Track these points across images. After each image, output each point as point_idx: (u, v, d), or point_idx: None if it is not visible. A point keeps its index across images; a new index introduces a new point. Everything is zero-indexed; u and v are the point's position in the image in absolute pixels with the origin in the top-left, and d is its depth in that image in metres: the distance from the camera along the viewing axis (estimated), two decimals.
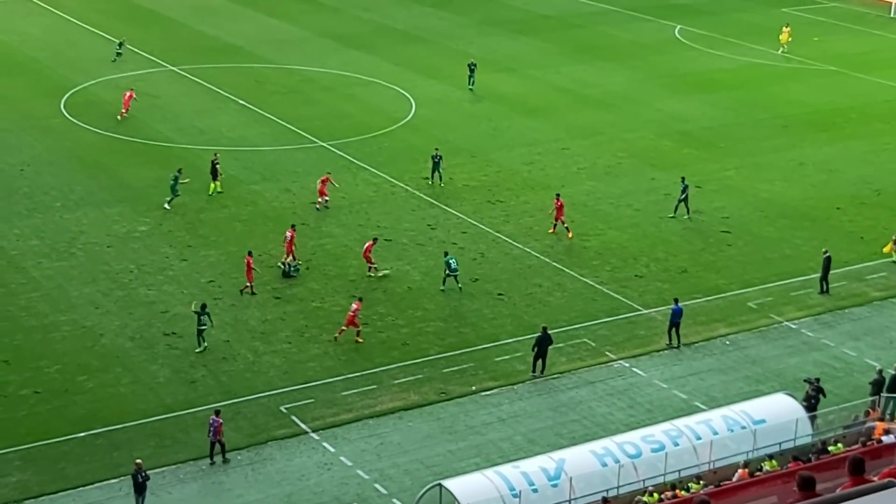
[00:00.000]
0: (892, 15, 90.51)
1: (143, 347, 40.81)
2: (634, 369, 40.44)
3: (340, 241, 49.29)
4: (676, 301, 42.33)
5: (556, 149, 60.84)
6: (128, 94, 63.79)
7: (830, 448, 32.32)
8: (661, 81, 72.98)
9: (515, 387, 39.31)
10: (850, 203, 54.43)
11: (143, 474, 32.59)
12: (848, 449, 31.15)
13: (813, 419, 35.53)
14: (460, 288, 45.37)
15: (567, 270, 47.19)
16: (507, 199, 54.12)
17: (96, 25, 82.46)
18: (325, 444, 35.95)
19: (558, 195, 50.70)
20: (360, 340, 41.60)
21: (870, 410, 36.31)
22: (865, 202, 54.63)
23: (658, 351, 41.63)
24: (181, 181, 52.33)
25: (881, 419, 35.28)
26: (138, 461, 32.94)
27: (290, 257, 46.53)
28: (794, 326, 43.45)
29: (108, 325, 42.18)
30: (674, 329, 41.96)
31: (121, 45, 74.40)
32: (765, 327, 43.37)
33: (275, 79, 72.41)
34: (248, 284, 44.59)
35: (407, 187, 55.12)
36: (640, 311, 44.14)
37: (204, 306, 40.95)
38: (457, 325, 42.90)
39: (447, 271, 45.38)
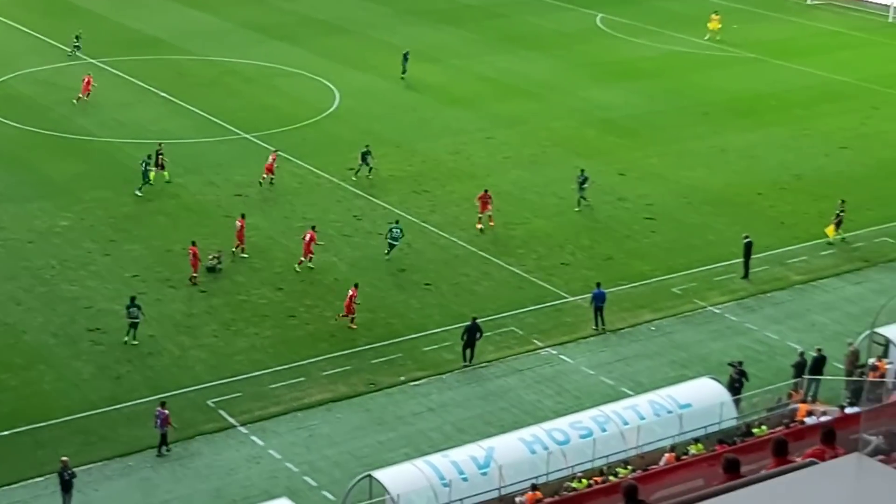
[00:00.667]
0: (809, 2, 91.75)
1: (66, 344, 40.29)
2: (562, 356, 40.70)
3: (265, 233, 49.00)
4: (599, 285, 42.77)
5: (481, 138, 60.97)
6: (86, 78, 63.89)
7: (755, 430, 32.79)
8: (585, 70, 73.40)
9: (444, 376, 39.39)
10: (771, 188, 55.17)
11: (70, 472, 32.19)
12: (772, 431, 31.63)
13: (737, 402, 36.03)
14: (387, 256, 46.13)
15: (494, 259, 47.35)
16: (432, 189, 54.13)
17: (13, 18, 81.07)
18: (253, 438, 35.76)
19: (486, 190, 50.73)
20: (354, 327, 41.67)
21: (792, 393, 36.90)
22: (786, 187, 55.40)
23: (585, 338, 41.93)
24: (150, 168, 52.28)
25: (804, 401, 35.88)
26: (64, 459, 32.52)
27: (241, 247, 46.67)
28: (717, 311, 43.97)
29: (31, 322, 41.58)
30: (598, 313, 42.35)
31: (77, 38, 73.17)
32: (689, 312, 43.86)
33: (197, 71, 71.75)
34: (194, 275, 44.45)
35: (332, 178, 54.91)
36: (566, 298, 44.41)
37: (133, 299, 40.53)
38: (384, 316, 42.85)
39: (388, 238, 46.25)
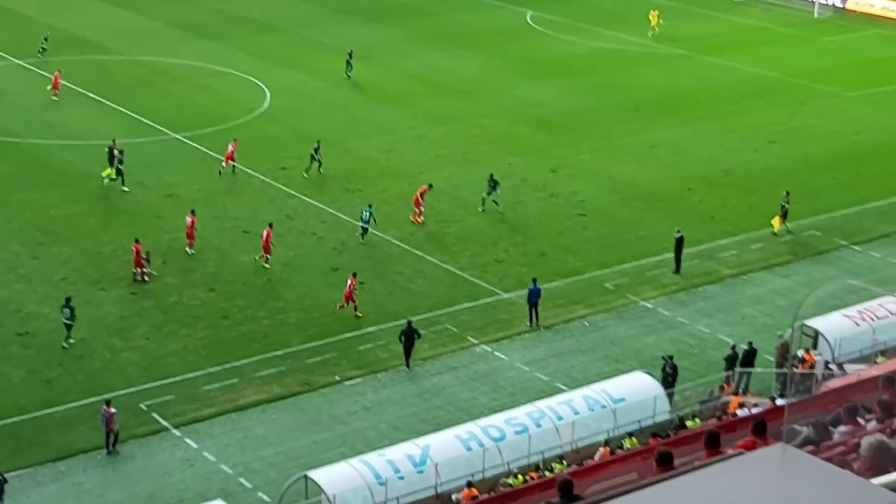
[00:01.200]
0: None
1: None
2: (496, 353, 40.79)
3: (198, 233, 48.50)
4: (535, 281, 42.96)
5: (413, 136, 60.94)
6: (56, 73, 64.29)
7: (688, 423, 33.10)
8: (516, 67, 73.62)
9: (379, 375, 39.33)
10: (701, 183, 55.69)
11: (1, 477, 31.71)
12: (704, 424, 31.92)
13: (670, 396, 36.34)
14: (361, 238, 47.83)
15: (427, 257, 47.34)
16: (365, 188, 54.01)
17: None
18: (187, 440, 35.47)
19: (430, 185, 50.79)
20: (360, 315, 42.08)
21: (724, 385, 37.29)
22: (715, 182, 55.96)
23: (519, 334, 42.06)
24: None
25: (735, 393, 36.27)
26: None
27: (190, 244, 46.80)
28: (650, 306, 44.31)
29: None
30: (533, 309, 42.53)
31: (45, 39, 72.05)
32: (622, 307, 44.16)
33: (125, 71, 70.99)
34: (140, 271, 44.29)
35: (264, 178, 54.59)
36: (500, 295, 44.52)
37: (68, 299, 40.09)
38: (318, 316, 42.67)
39: (360, 223, 48.30)
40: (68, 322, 39.89)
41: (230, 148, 54.68)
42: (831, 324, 38.06)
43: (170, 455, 34.78)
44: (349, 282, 42.43)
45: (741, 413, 32.44)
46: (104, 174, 53.02)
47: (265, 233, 45.93)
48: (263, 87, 67.99)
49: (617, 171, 56.96)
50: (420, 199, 50.36)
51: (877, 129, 63.98)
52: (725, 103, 67.46)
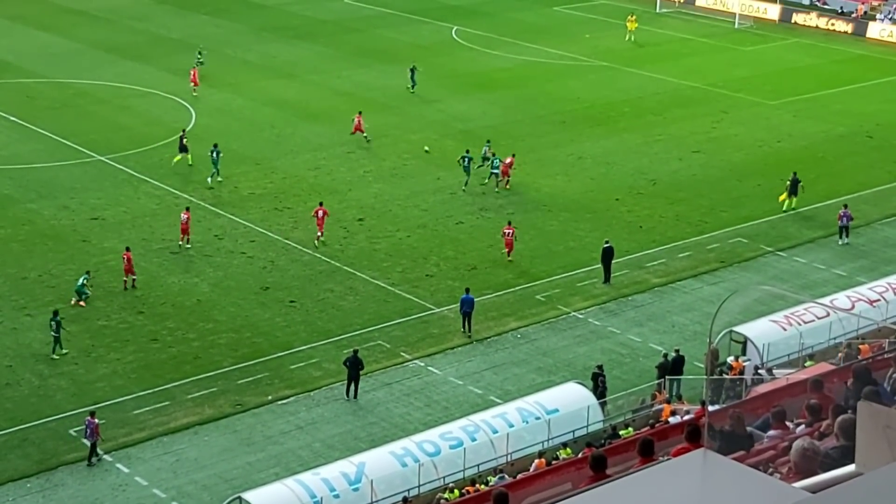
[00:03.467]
0: (658, 11, 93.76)
1: None
2: (430, 368, 40.76)
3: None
4: (467, 291, 43.25)
5: (341, 153, 60.81)
6: None
7: (621, 432, 33.29)
8: (442, 82, 73.78)
9: (312, 393, 39.13)
10: (628, 194, 56.14)
11: None
12: (637, 432, 32.13)
13: (603, 405, 36.54)
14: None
15: (358, 274, 47.22)
16: (294, 206, 53.79)
17: None
18: (118, 466, 35.02)
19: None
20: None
21: (656, 393, 37.56)
22: (642, 192, 56.44)
23: (452, 348, 42.07)
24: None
25: (667, 401, 36.53)
26: None
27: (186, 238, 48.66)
28: (581, 316, 44.54)
29: None
30: (465, 318, 42.74)
31: None
32: (553, 318, 44.34)
33: (47, 93, 70.13)
34: (130, 279, 45.30)
35: (191, 198, 54.16)
36: (432, 310, 44.52)
37: (55, 313, 40.56)
38: (249, 336, 42.39)
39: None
40: (55, 335, 40.27)
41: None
42: (759, 329, 38.54)
43: (101, 481, 34.31)
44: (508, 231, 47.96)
45: (673, 420, 32.68)
46: (175, 160, 57.21)
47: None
48: (188, 106, 67.50)
49: (545, 183, 57.24)
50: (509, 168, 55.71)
51: (798, 136, 64.96)
52: (649, 114, 68.12)
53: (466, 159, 55.57)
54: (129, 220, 51.69)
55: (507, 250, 48.24)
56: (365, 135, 61.28)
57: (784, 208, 53.90)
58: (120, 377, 39.44)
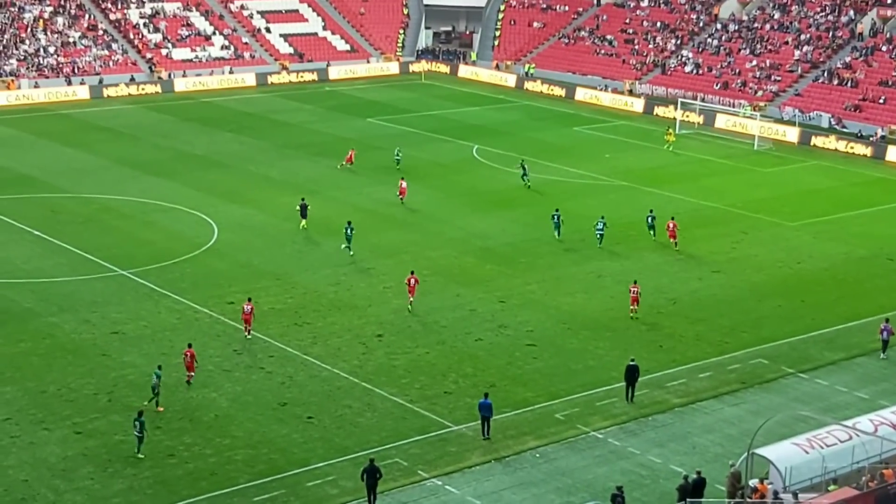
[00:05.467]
0: (677, 132, 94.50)
1: None
2: (447, 487, 40.31)
3: (143, 370, 48.02)
4: (486, 396, 43.54)
5: (361, 269, 61.04)
6: None
7: None
8: (462, 200, 74.34)
9: None
10: (648, 313, 56.01)
11: None
12: None
13: None
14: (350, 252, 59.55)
15: (377, 390, 47.04)
16: (313, 321, 53.85)
17: None
18: None
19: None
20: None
21: None
22: (662, 311, 56.32)
23: (470, 467, 41.63)
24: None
25: None
26: None
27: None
28: (600, 436, 44.13)
29: None
30: (485, 422, 42.97)
31: None
32: (573, 438, 43.93)
33: (71, 208, 70.91)
34: (191, 375, 46.60)
35: (211, 313, 54.32)
36: (450, 427, 44.20)
37: (140, 413, 41.22)
38: (266, 452, 42.10)
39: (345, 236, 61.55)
40: (139, 435, 40.94)
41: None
42: (781, 452, 38.04)
43: None
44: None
45: None
46: (302, 226, 66.53)
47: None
48: (211, 222, 68.08)
49: (564, 301, 57.23)
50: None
51: (818, 257, 64.97)
52: (658, 233, 68.16)
53: (557, 216, 66.14)
54: (150, 335, 51.79)
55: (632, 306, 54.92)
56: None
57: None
58: (136, 493, 39.11)
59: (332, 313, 54.88)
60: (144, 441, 41.37)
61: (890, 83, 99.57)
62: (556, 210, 67.43)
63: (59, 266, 60.22)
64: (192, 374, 47.07)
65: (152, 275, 58.99)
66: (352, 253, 62.46)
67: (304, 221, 67.22)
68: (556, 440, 43.68)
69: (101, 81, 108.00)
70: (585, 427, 44.66)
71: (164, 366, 47.63)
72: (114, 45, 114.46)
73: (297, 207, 67.87)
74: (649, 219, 67.19)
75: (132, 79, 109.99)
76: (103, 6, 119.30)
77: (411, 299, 55.29)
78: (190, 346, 47.87)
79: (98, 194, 73.58)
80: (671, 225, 65.14)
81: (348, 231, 63.11)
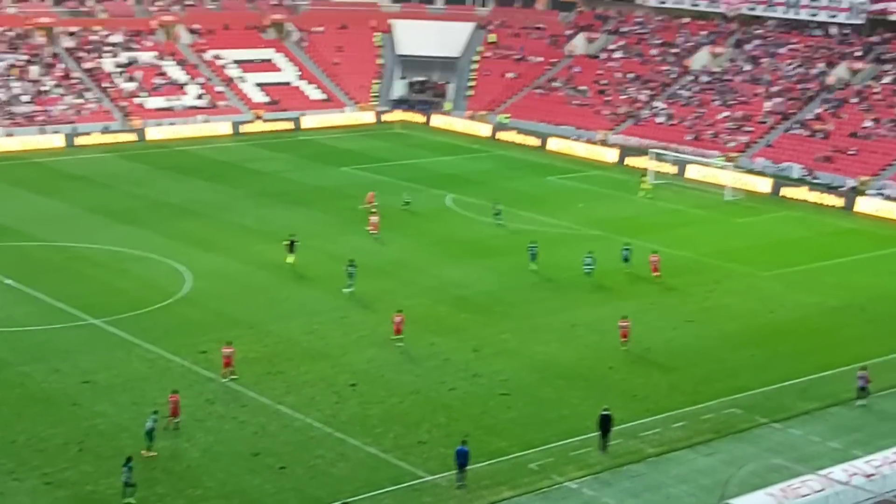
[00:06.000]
0: (651, 181, 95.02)
1: None
2: None
3: (113, 419, 47.69)
4: (464, 442, 43.43)
5: (335, 318, 60.89)
6: None
7: None
8: (436, 248, 74.41)
9: None
10: (622, 362, 56.04)
11: None
12: None
13: None
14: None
15: (350, 440, 46.79)
16: (287, 370, 53.61)
17: None
18: None
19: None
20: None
21: None
22: (636, 361, 56.36)
23: None
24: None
25: None
26: None
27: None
28: (574, 486, 43.97)
29: None
30: (461, 470, 42.94)
31: None
32: (547, 488, 43.75)
33: (43, 256, 70.56)
34: (175, 421, 46.79)
35: (184, 362, 54.02)
36: (424, 477, 43.97)
37: (129, 459, 41.25)
38: (238, 502, 41.72)
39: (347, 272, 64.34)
40: (127, 482, 40.75)
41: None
42: (755, 502, 38.04)
43: None
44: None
45: None
46: (289, 261, 68.58)
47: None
48: (184, 270, 67.86)
49: (539, 349, 57.21)
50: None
51: (791, 307, 65.25)
52: (643, 282, 68.45)
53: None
54: (121, 384, 51.43)
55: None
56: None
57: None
58: None
59: (306, 362, 54.66)
60: (135, 487, 41.08)
61: (860, 135, 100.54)
62: (533, 242, 71.53)
63: (29, 315, 59.82)
64: (178, 419, 46.87)
65: (124, 323, 58.67)
66: (353, 290, 64.05)
67: (291, 257, 69.06)
68: (531, 490, 43.51)
69: (74, 130, 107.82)
70: (560, 477, 44.51)
71: (136, 415, 47.29)
72: (87, 94, 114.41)
73: (286, 242, 69.66)
74: (625, 252, 70.21)
75: (106, 127, 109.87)
76: (77, 55, 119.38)
77: (398, 336, 56.93)
78: (175, 392, 47.72)
79: (71, 243, 73.27)
80: (654, 259, 68.91)
81: (350, 270, 64.59)
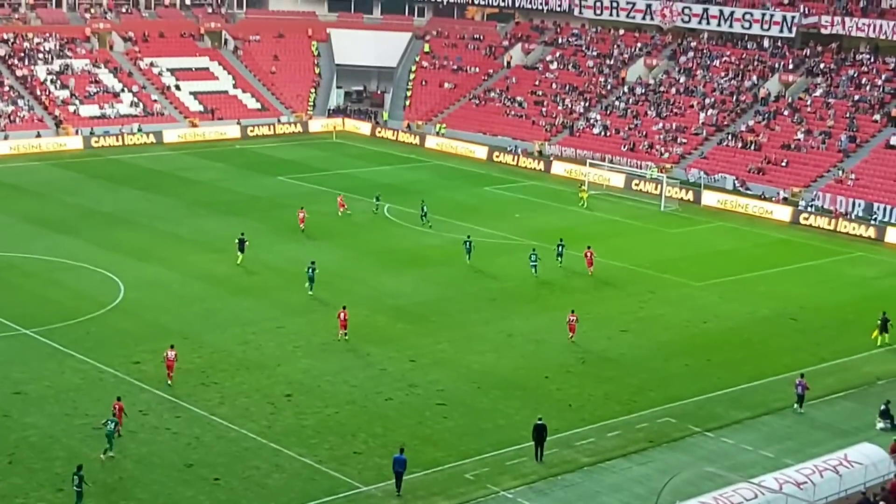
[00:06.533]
0: (587, 192, 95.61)
1: None
2: None
3: (46, 432, 47.08)
4: (402, 451, 43.33)
5: (271, 328, 60.58)
6: None
7: None
8: (373, 258, 74.30)
9: None
10: (558, 372, 56.30)
11: None
12: None
13: None
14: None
15: (285, 451, 46.55)
16: (221, 381, 53.24)
17: None
18: None
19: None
20: None
21: None
22: (571, 370, 56.64)
23: None
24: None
25: None
26: None
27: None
28: (510, 496, 44.06)
29: None
30: (398, 478, 42.96)
31: None
32: (482, 498, 43.80)
33: None
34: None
35: (116, 372, 53.47)
36: (360, 488, 43.85)
37: (79, 467, 40.94)
38: None
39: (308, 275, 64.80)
40: (78, 490, 40.53)
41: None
42: None
43: None
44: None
45: None
46: (239, 261, 70.17)
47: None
48: (118, 280, 67.18)
49: (475, 359, 57.30)
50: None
51: (724, 317, 65.90)
52: (577, 292, 68.76)
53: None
54: (53, 395, 50.79)
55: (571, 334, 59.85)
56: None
57: (878, 343, 60.98)
58: None
59: (241, 373, 54.32)
60: (84, 496, 40.79)
61: (792, 146, 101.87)
62: (468, 237, 73.77)
63: None
64: (120, 426, 46.47)
65: (56, 334, 57.96)
66: (311, 293, 65.22)
67: (241, 256, 70.68)
68: (466, 500, 43.54)
69: (6, 137, 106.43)
70: (495, 487, 44.59)
71: (67, 427, 46.76)
72: (20, 102, 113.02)
73: (236, 241, 71.46)
74: (559, 248, 72.99)
75: (38, 135, 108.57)
76: (10, 62, 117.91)
77: (344, 332, 58.49)
78: (119, 399, 47.54)
79: (1, 252, 72.27)
80: (588, 254, 71.91)
81: (310, 272, 65.49)
